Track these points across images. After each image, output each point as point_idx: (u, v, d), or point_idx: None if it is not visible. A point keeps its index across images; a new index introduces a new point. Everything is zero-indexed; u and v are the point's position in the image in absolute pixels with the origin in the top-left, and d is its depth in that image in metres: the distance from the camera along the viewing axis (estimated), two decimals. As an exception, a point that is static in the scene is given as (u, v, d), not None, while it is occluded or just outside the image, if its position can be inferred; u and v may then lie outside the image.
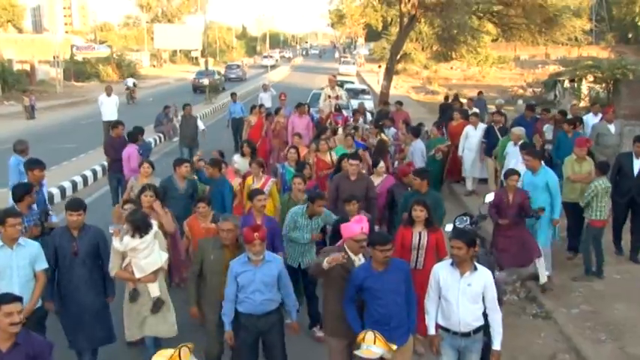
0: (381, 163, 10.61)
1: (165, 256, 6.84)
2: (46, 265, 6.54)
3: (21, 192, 7.86)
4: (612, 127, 13.21)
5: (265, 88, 23.37)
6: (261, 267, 6.09)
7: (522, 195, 9.07)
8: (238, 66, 65.55)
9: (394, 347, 4.59)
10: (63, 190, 15.17)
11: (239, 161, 11.59)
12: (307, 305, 8.24)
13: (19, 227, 6.37)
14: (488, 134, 14.35)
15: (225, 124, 21.50)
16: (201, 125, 17.58)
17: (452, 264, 5.81)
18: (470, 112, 16.59)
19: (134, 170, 11.58)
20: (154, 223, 7.03)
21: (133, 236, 6.59)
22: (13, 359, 4.65)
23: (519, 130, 12.88)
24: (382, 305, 5.76)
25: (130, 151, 12.31)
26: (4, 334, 4.63)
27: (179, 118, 19.52)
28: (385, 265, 5.73)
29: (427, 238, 7.28)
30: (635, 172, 10.25)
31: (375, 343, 4.48)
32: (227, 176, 10.12)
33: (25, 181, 10.27)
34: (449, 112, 18.04)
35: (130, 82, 40.46)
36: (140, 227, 6.63)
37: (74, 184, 16.11)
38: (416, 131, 14.13)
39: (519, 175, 9.26)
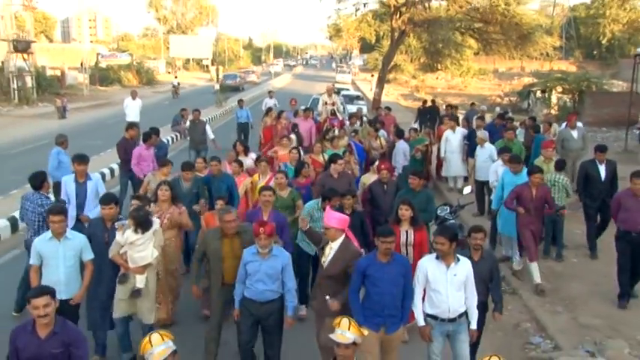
0: (376, 162, 10.38)
1: (156, 253, 6.72)
2: (92, 256, 6.47)
3: (39, 179, 8.03)
4: (575, 133, 13.41)
5: (271, 95, 22.97)
6: (267, 260, 6.03)
7: (545, 190, 8.99)
8: (253, 72, 73.52)
9: (365, 332, 4.42)
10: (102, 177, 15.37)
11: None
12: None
13: (62, 223, 6.28)
14: (470, 137, 14.44)
15: (234, 127, 21.06)
16: (210, 134, 16.34)
17: (437, 258, 5.74)
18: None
19: (143, 170, 11.46)
20: (156, 221, 6.91)
21: (135, 231, 6.50)
22: (50, 346, 4.62)
23: (482, 134, 13.41)
24: (378, 293, 5.70)
25: (141, 151, 12.04)
26: (41, 324, 4.60)
27: (187, 123, 18.18)
28: (388, 257, 5.68)
29: (413, 236, 7.16)
30: (602, 177, 10.18)
31: (349, 329, 4.26)
32: (229, 171, 10.03)
33: (62, 169, 10.76)
34: (437, 116, 18.30)
35: (175, 81, 43.06)
36: (141, 224, 6.53)
37: (103, 176, 16.16)
38: (400, 133, 14.24)
39: (543, 172, 9.20)
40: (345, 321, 4.34)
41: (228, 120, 28.58)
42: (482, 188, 12.87)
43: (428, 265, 5.78)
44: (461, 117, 18.60)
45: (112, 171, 17.16)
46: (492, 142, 13.45)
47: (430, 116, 22.32)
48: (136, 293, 6.58)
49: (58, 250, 6.25)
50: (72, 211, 8.40)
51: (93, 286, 6.70)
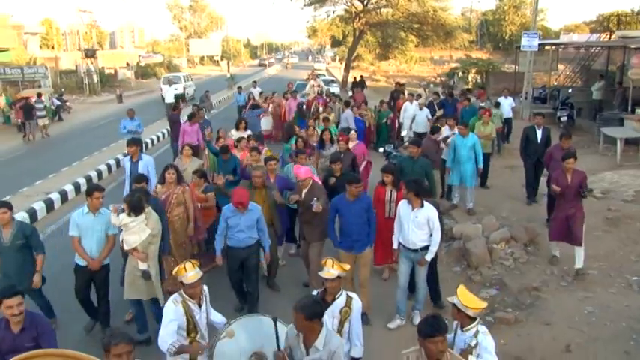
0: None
1: (144, 236, 5.36)
2: (116, 231, 5.64)
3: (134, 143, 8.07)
4: (483, 105, 13.62)
5: (254, 84, 21.47)
6: (245, 214, 5.83)
7: (581, 175, 6.92)
8: (265, 59, 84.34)
9: (347, 267, 4.14)
10: (146, 145, 15.97)
11: (235, 134, 10.53)
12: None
13: (101, 200, 5.61)
14: (430, 106, 14.29)
15: (235, 108, 19.81)
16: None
17: (408, 202, 5.68)
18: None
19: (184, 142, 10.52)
20: (148, 207, 5.54)
21: (129, 215, 5.33)
22: (22, 340, 3.86)
23: (423, 100, 14.14)
24: (347, 223, 5.80)
25: (185, 128, 11.39)
26: (15, 322, 3.87)
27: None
28: (354, 197, 5.73)
29: (395, 195, 6.71)
30: (539, 139, 9.24)
31: (333, 267, 4.03)
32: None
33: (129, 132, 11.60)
34: (396, 94, 17.55)
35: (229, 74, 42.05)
36: (134, 208, 5.31)
37: (152, 141, 17.43)
38: (347, 103, 14.11)
39: (575, 158, 6.96)
40: (329, 261, 4.09)
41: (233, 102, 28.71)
42: (419, 136, 13.69)
43: (401, 207, 5.78)
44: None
45: (158, 138, 18.15)
46: (445, 111, 13.36)
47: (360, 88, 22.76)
48: (145, 274, 5.38)
49: (93, 224, 5.61)
50: (127, 185, 8.04)
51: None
